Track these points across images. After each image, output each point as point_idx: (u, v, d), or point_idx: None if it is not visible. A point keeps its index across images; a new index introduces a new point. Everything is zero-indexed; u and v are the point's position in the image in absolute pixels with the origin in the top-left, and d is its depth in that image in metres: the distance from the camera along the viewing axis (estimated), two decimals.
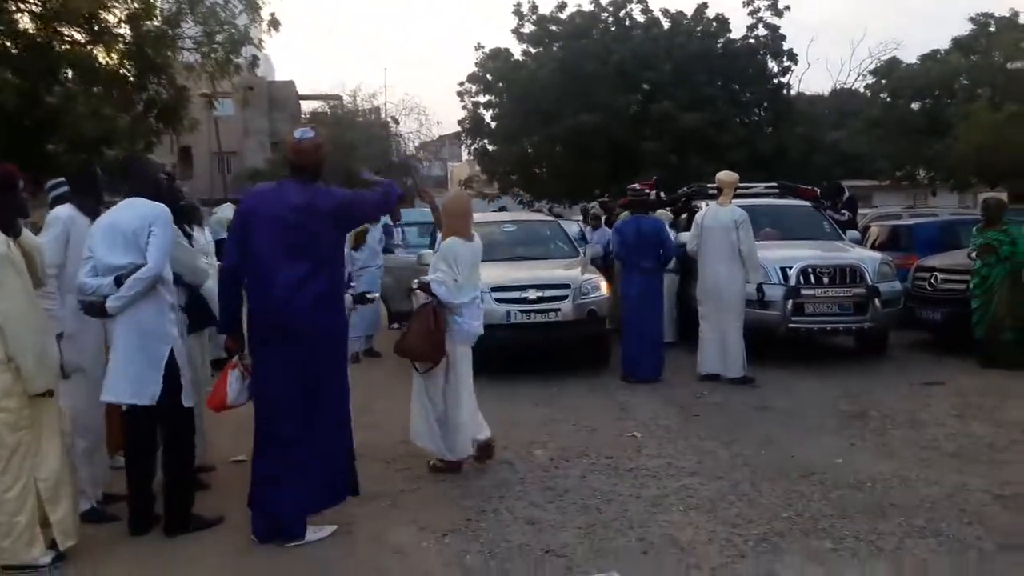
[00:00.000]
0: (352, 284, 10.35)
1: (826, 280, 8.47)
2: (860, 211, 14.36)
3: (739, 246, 7.71)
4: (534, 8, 27.34)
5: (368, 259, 10.10)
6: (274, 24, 17.90)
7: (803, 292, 8.36)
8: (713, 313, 7.91)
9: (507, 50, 27.95)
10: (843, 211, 11.05)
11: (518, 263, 9.11)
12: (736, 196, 11.00)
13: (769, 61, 27.99)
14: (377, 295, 9.84)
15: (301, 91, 48.78)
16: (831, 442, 5.76)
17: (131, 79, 15.61)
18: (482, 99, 28.58)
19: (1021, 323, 8.11)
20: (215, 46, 17.24)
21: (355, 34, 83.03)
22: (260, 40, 18.25)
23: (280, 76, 54.59)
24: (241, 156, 43.08)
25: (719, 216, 7.91)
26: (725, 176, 8.13)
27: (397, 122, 41.48)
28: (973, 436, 5.82)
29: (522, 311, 8.12)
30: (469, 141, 29.41)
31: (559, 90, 25.44)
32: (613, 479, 5.05)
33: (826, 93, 39.31)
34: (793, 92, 31.14)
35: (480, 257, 5.28)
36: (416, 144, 39.71)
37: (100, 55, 14.89)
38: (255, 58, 18.02)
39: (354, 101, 40.00)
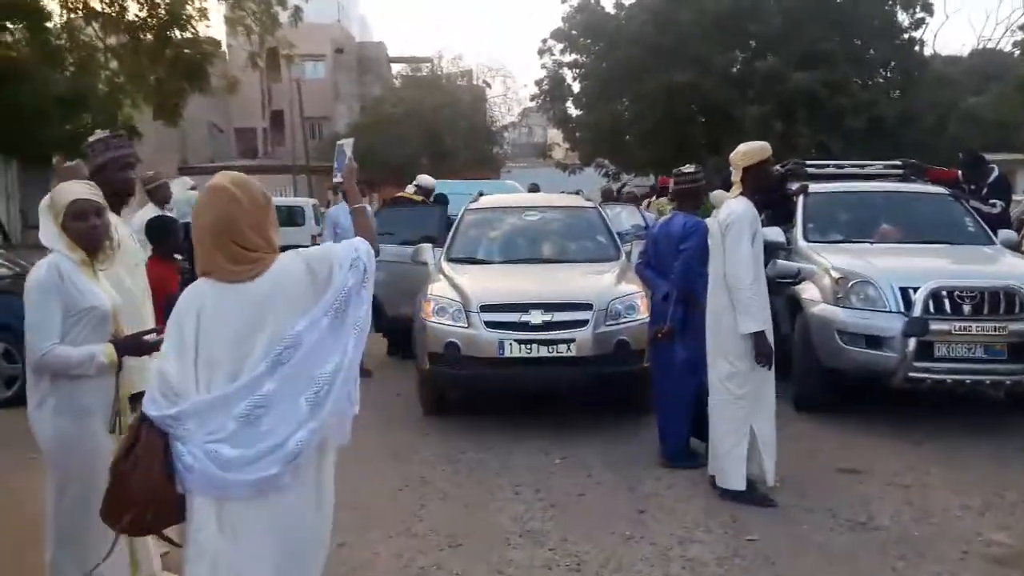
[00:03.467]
0: None
1: (969, 308, 5.76)
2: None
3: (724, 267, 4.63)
4: None
5: None
6: None
7: (934, 326, 5.70)
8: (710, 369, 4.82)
9: (596, 2, 25.13)
10: (992, 201, 8.14)
11: (530, 268, 6.81)
12: (840, 177, 8.39)
13: (899, 12, 24.15)
14: None
15: (392, 54, 47.33)
16: None
17: (151, 32, 14.06)
18: (566, 58, 25.92)
19: None
20: None
21: None
22: None
23: (375, 38, 53.49)
24: (332, 121, 41.87)
25: (718, 216, 4.79)
26: (741, 149, 4.74)
27: (489, 85, 39.65)
28: None
29: (520, 341, 5.80)
30: (548, 106, 26.80)
31: (649, 45, 22.55)
32: None
33: (965, 54, 34.59)
34: (927, 51, 27.09)
35: (271, 312, 2.29)
36: (517, 110, 37.59)
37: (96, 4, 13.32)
38: (298, 9, 16.18)
39: (439, 64, 38.31)
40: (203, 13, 15.17)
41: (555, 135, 39.16)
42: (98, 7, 14.18)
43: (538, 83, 26.54)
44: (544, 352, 5.80)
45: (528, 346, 5.80)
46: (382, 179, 31.48)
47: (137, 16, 14.27)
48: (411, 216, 9.21)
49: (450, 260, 7.11)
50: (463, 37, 67.09)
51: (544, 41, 25.94)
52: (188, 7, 14.79)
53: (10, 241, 12.00)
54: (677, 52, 22.09)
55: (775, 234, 6.76)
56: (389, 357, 8.98)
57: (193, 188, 8.77)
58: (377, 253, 2.49)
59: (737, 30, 22.55)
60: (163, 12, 14.33)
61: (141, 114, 15.73)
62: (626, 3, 24.71)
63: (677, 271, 5.15)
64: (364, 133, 34.12)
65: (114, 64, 14.84)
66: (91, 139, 3.76)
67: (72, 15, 13.97)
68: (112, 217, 3.64)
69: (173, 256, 4.95)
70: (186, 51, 14.76)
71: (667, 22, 22.33)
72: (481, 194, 8.89)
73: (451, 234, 7.56)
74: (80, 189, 3.00)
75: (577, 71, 25.89)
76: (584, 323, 5.86)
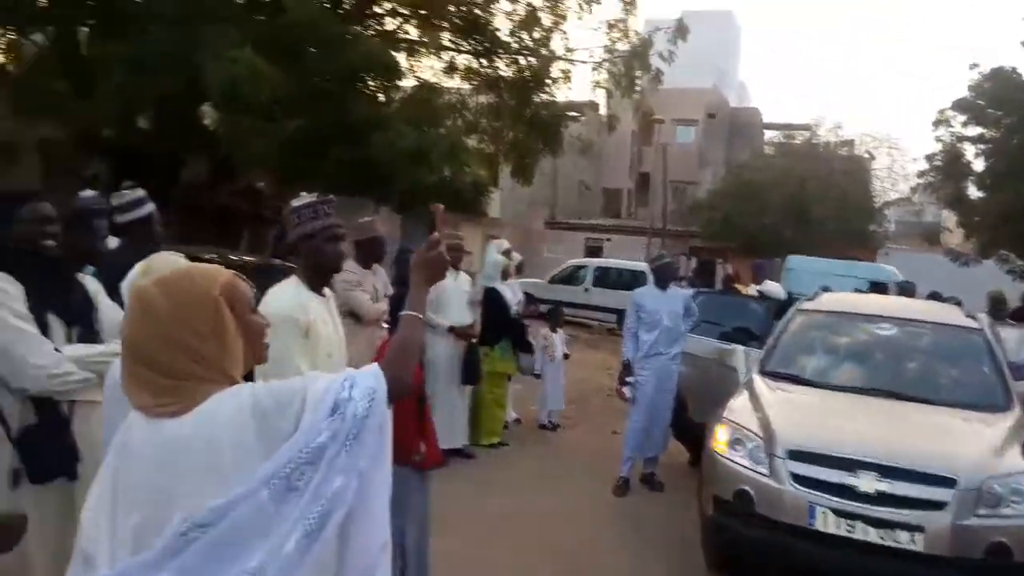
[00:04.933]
0: (630, 379, 7.10)
1: None
2: None
3: None
4: None
5: (661, 342, 6.72)
6: (681, 33, 15.37)
7: None
8: None
9: (1013, 69, 21.22)
10: None
11: (871, 405, 5.03)
12: None
13: None
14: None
15: (768, 120, 45.52)
16: None
17: (515, 92, 14.35)
18: (968, 131, 22.21)
19: None
20: (616, 58, 15.33)
21: (827, 59, 76.22)
22: (670, 52, 15.78)
23: (752, 105, 52.07)
24: (698, 186, 41.40)
25: None
26: None
27: (873, 157, 36.27)
28: None
29: (840, 513, 4.13)
30: (939, 184, 23.14)
31: None
32: None
33: None
34: None
35: (188, 468, 1.47)
36: (902, 186, 33.74)
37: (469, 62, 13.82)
38: (658, 71, 15.62)
39: (816, 131, 35.74)
40: (567, 75, 15.19)
41: (949, 217, 34.18)
42: (475, 66, 14.84)
43: (929, 158, 23.02)
44: (874, 536, 4.06)
45: (850, 522, 4.10)
46: (737, 248, 29.57)
47: (502, 76, 14.68)
48: (735, 306, 7.75)
49: (764, 373, 5.58)
50: (846, 106, 62.56)
51: (942, 111, 22.51)
52: (552, 70, 14.90)
53: None
54: None
55: None
56: (692, 469, 7.58)
57: (507, 252, 8.13)
58: (395, 395, 1.59)
59: None
60: (528, 74, 14.56)
61: (501, 170, 16.18)
62: None
63: None
64: (722, 199, 32.75)
65: (482, 121, 15.46)
66: (296, 203, 3.12)
67: (448, 76, 14.71)
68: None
69: None
70: (543, 112, 14.85)
71: None
72: (826, 289, 7.17)
73: (772, 338, 6.02)
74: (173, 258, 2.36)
75: (981, 147, 22.02)
76: (941, 505, 4.01)
